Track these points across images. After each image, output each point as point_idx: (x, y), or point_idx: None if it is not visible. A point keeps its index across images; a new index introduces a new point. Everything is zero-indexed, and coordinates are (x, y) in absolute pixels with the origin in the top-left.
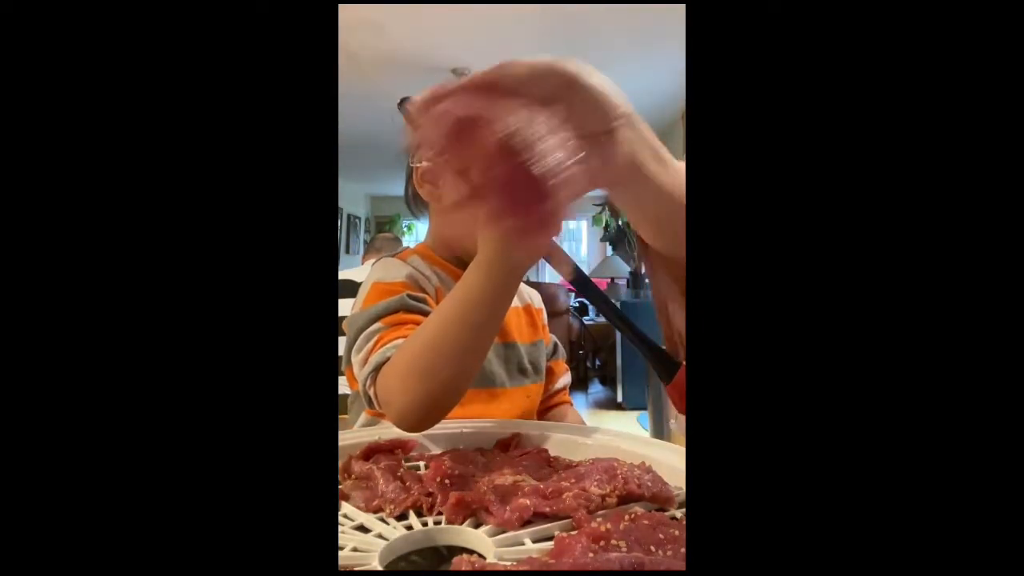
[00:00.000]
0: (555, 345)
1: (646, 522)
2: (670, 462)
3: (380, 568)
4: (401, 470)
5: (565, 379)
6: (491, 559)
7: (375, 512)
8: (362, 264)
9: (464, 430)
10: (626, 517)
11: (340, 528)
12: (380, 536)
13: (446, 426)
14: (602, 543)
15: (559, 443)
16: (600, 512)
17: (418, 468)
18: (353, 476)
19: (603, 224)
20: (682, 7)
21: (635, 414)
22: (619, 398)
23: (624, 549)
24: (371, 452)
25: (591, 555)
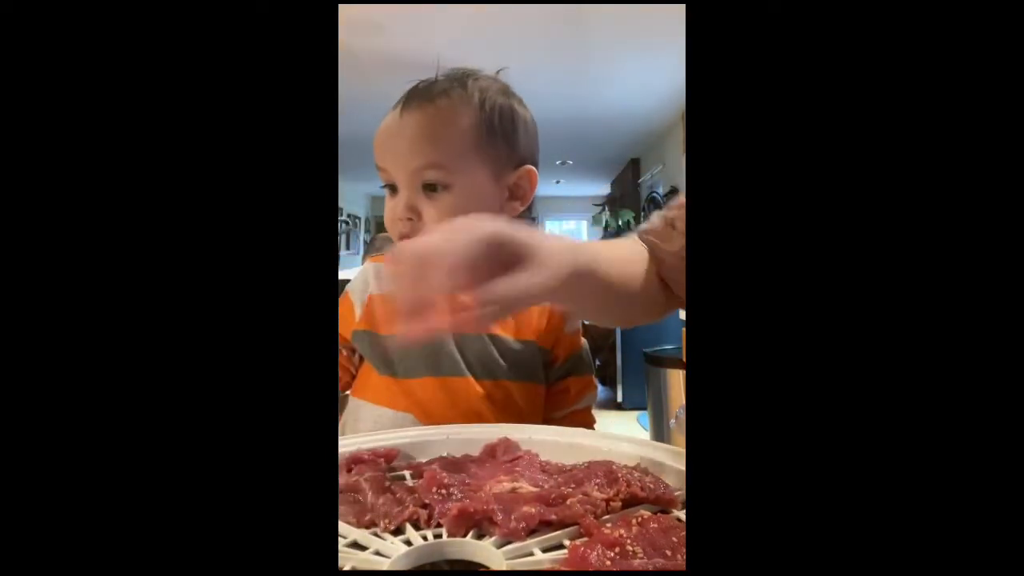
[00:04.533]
0: (573, 361)
1: (655, 525)
2: (661, 461)
3: None
4: (388, 481)
5: (585, 400)
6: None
7: (368, 528)
8: (362, 264)
9: (450, 436)
10: (634, 521)
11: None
12: (379, 553)
13: (431, 432)
14: (617, 550)
15: (546, 446)
16: (605, 517)
17: (403, 478)
18: (340, 490)
19: (603, 224)
20: (682, 7)
21: (635, 414)
22: (619, 398)
23: (642, 556)
24: (352, 463)
25: (608, 563)
